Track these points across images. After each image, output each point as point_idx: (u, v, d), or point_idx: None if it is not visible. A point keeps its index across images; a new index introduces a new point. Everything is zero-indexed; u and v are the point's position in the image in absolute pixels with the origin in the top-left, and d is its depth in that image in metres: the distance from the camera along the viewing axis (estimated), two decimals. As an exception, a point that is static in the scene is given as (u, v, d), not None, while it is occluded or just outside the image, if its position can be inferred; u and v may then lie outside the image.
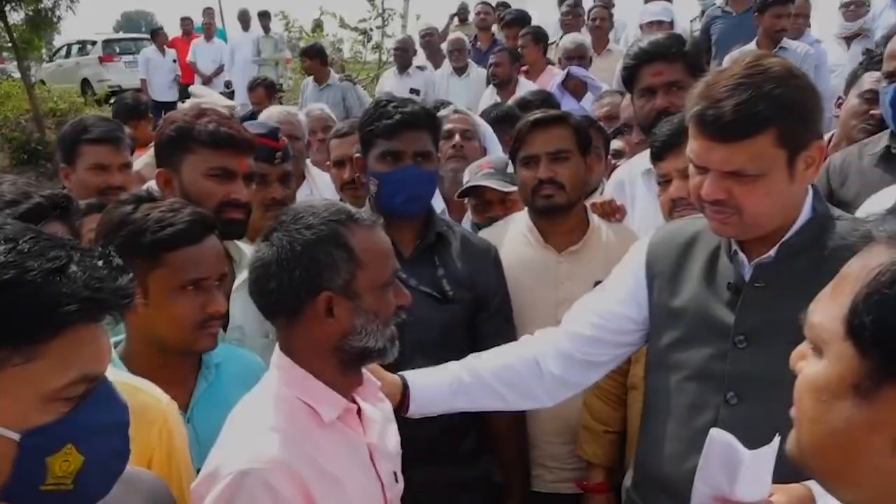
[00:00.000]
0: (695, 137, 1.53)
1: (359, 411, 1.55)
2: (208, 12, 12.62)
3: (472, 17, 9.38)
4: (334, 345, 1.45)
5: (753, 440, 1.46)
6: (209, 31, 12.26)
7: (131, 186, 2.85)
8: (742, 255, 1.62)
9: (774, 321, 1.55)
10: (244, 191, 2.04)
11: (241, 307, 2.01)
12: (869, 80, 2.98)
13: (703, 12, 7.79)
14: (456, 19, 10.53)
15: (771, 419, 1.50)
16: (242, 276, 2.02)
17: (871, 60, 3.08)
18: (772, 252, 1.58)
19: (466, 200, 2.94)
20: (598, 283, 2.08)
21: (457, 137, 3.23)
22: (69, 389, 0.91)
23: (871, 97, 2.93)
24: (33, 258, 0.87)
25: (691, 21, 8.27)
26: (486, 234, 2.55)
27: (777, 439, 1.33)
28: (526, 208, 2.52)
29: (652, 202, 2.60)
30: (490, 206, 2.80)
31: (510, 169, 2.76)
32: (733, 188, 1.51)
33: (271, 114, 3.58)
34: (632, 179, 2.81)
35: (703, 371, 1.63)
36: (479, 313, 2.30)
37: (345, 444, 1.48)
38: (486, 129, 3.45)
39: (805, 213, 1.58)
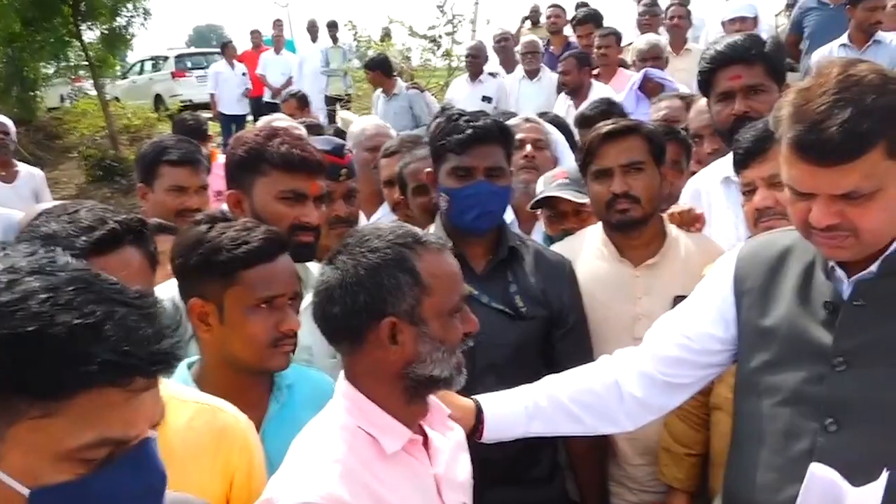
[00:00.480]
0: (794, 164, 1.45)
1: (426, 440, 1.54)
2: (278, 24, 12.92)
3: (543, 19, 9.36)
4: (398, 372, 1.45)
5: (855, 470, 1.41)
6: (278, 43, 12.52)
7: (207, 208, 2.92)
8: (840, 272, 1.55)
9: (876, 342, 1.48)
10: (314, 213, 2.06)
11: (309, 327, 2.01)
12: None
13: (788, 5, 7.57)
14: (528, 22, 10.51)
15: (874, 447, 1.46)
16: (309, 297, 2.04)
17: None
18: (873, 268, 1.50)
19: (539, 211, 2.92)
20: (677, 297, 2.04)
21: (528, 148, 3.22)
22: (86, 452, 0.88)
23: None
24: (67, 311, 0.86)
25: (776, 15, 8.05)
26: (559, 247, 2.52)
27: (885, 475, 1.26)
28: (599, 221, 2.48)
29: (731, 212, 2.54)
30: (564, 217, 2.78)
31: None
32: (846, 210, 1.44)
33: (366, 126, 3.61)
34: (709, 188, 2.74)
35: (798, 395, 1.56)
36: (553, 331, 2.28)
37: (409, 476, 1.47)
38: (559, 138, 3.42)
39: None
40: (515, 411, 1.82)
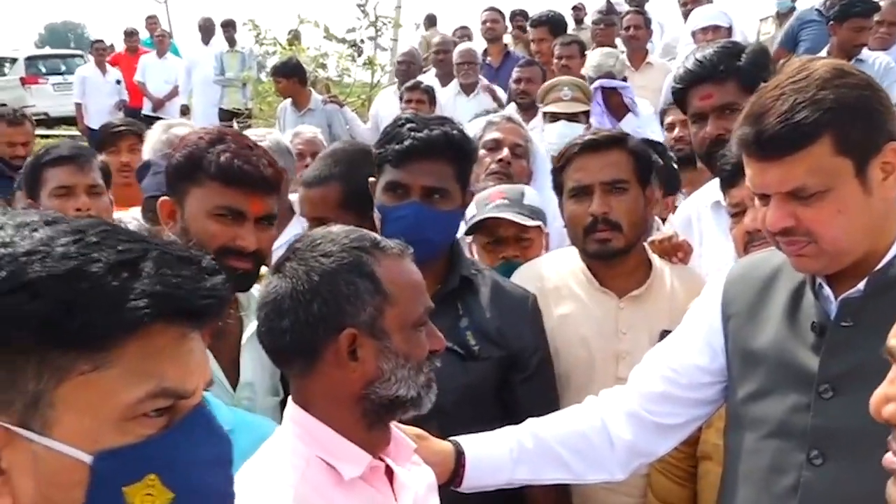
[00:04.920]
0: (747, 163, 1.67)
1: (390, 473, 1.63)
2: (151, 21, 12.85)
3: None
4: (359, 393, 1.54)
5: (841, 505, 1.58)
6: (161, 45, 12.47)
7: (106, 213, 3.02)
8: (828, 290, 1.72)
9: (865, 366, 1.63)
10: (252, 236, 2.12)
11: (251, 360, 2.10)
12: None
13: (778, 14, 8.00)
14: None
15: (862, 482, 1.60)
16: (252, 327, 2.11)
17: None
18: (860, 285, 1.67)
19: (471, 239, 2.98)
20: (664, 332, 2.16)
21: (506, 151, 3.30)
22: (147, 404, 0.95)
23: None
24: (101, 250, 0.93)
25: (761, 20, 8.47)
26: (525, 271, 2.63)
27: None
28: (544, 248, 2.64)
29: (723, 238, 2.70)
30: (503, 244, 2.85)
31: (528, 200, 2.84)
32: (799, 211, 1.62)
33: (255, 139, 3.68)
34: (699, 214, 2.94)
35: (784, 426, 1.72)
36: (513, 374, 2.37)
37: None
38: (539, 151, 3.53)
39: None
40: (500, 454, 1.93)
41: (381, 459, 1.62)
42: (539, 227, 2.88)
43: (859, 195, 1.63)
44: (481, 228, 2.88)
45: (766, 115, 1.60)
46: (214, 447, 1.03)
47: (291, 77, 7.66)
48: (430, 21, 12.32)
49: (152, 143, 3.71)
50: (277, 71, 7.91)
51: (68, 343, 0.91)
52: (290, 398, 1.62)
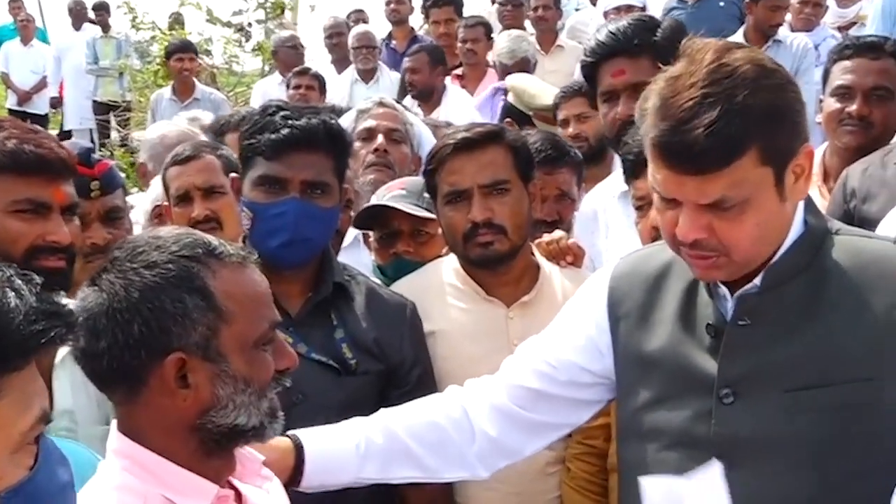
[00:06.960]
0: (659, 168, 1.59)
1: (239, 497, 1.56)
2: (15, 4, 12.49)
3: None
4: (192, 423, 1.45)
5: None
6: (27, 31, 12.20)
7: None
8: (723, 288, 1.69)
9: (766, 366, 1.63)
10: (63, 229, 2.02)
11: (70, 385, 2.00)
12: (839, 71, 3.15)
13: None
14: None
15: (770, 489, 1.62)
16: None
17: (842, 49, 3.24)
18: (756, 280, 1.66)
19: (371, 237, 2.95)
20: None
21: (380, 139, 3.26)
22: (35, 429, 1.02)
23: (845, 92, 3.11)
24: None
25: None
26: (402, 285, 2.56)
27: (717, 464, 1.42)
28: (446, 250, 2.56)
29: (631, 230, 2.66)
30: (397, 238, 2.80)
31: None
32: (714, 223, 1.57)
33: (167, 132, 3.59)
34: (605, 205, 2.92)
35: (686, 436, 1.69)
36: (391, 390, 2.32)
37: None
38: (423, 133, 3.48)
39: (795, 230, 1.66)
40: (345, 450, 1.88)
41: (229, 483, 1.55)
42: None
43: (775, 202, 1.60)
44: (375, 221, 2.83)
45: (690, 122, 1.51)
46: (66, 471, 1.13)
47: (196, 54, 7.61)
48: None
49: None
50: (184, 48, 7.71)
51: None
52: (112, 426, 1.52)
